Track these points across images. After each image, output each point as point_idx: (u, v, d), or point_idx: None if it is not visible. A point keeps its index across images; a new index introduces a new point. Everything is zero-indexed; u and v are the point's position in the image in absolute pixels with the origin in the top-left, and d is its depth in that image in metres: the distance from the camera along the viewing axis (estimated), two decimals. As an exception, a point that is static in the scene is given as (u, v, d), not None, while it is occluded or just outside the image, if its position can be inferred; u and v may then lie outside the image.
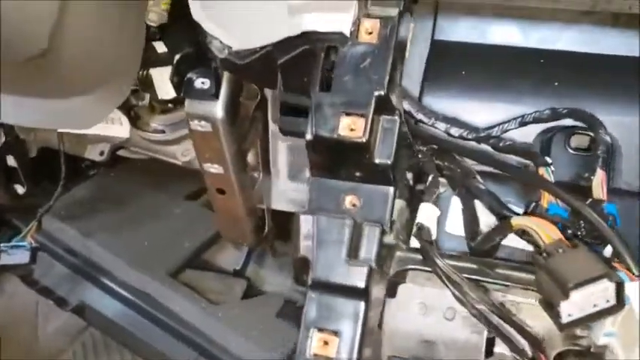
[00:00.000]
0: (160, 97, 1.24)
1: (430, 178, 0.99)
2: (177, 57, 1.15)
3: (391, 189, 0.87)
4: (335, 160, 0.86)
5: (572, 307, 0.80)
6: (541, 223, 0.88)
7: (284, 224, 1.54)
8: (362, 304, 0.87)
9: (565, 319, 0.81)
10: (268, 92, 1.27)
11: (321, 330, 0.85)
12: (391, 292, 1.26)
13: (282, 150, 1.36)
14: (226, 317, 1.63)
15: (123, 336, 1.62)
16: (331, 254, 0.85)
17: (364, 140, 0.80)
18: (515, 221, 0.91)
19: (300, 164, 1.40)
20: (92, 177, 1.86)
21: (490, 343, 1.12)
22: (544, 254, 0.86)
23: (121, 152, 1.74)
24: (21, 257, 1.64)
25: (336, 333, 0.85)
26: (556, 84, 1.06)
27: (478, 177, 1.00)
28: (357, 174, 0.86)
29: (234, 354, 1.59)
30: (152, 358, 1.59)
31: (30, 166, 1.62)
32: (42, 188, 1.68)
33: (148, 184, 1.86)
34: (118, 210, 1.77)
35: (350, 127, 0.81)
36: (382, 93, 0.84)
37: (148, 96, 1.39)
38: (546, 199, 0.92)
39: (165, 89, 1.26)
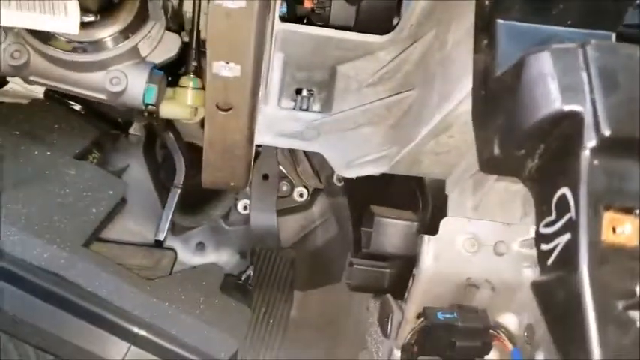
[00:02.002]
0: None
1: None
2: None
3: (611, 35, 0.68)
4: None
5: None
6: None
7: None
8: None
9: None
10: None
11: (608, 208, 0.62)
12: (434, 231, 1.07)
13: (276, 64, 1.09)
14: (164, 294, 1.28)
15: (25, 332, 1.18)
16: (622, 98, 0.62)
17: None
18: None
19: (290, 85, 1.14)
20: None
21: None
22: None
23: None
24: None
25: (631, 211, 0.62)
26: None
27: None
28: (574, 13, 0.66)
29: (180, 339, 1.25)
30: (70, 357, 1.18)
31: None
32: None
33: (25, 138, 1.41)
34: (-5, 169, 1.31)
35: None
36: None
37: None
38: None
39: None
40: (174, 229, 1.70)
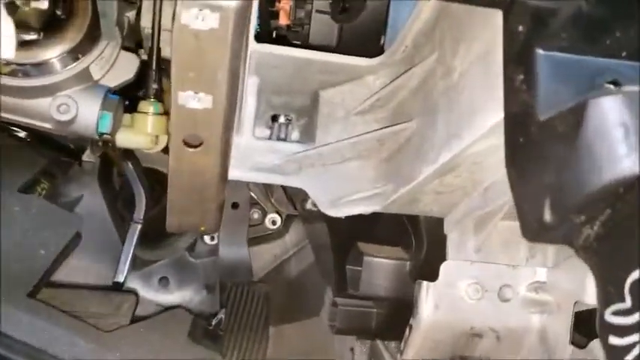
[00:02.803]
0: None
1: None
2: None
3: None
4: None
5: None
6: None
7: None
8: None
9: None
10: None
11: None
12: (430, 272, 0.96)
13: (250, 90, 0.96)
14: (126, 347, 1.14)
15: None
16: None
17: None
18: None
19: (266, 112, 1.01)
20: None
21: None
22: None
23: None
24: None
25: None
26: None
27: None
28: (632, 42, 0.55)
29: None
30: None
31: None
32: None
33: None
34: None
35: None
36: None
37: (47, -1, 0.88)
38: None
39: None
40: (135, 264, 1.54)
